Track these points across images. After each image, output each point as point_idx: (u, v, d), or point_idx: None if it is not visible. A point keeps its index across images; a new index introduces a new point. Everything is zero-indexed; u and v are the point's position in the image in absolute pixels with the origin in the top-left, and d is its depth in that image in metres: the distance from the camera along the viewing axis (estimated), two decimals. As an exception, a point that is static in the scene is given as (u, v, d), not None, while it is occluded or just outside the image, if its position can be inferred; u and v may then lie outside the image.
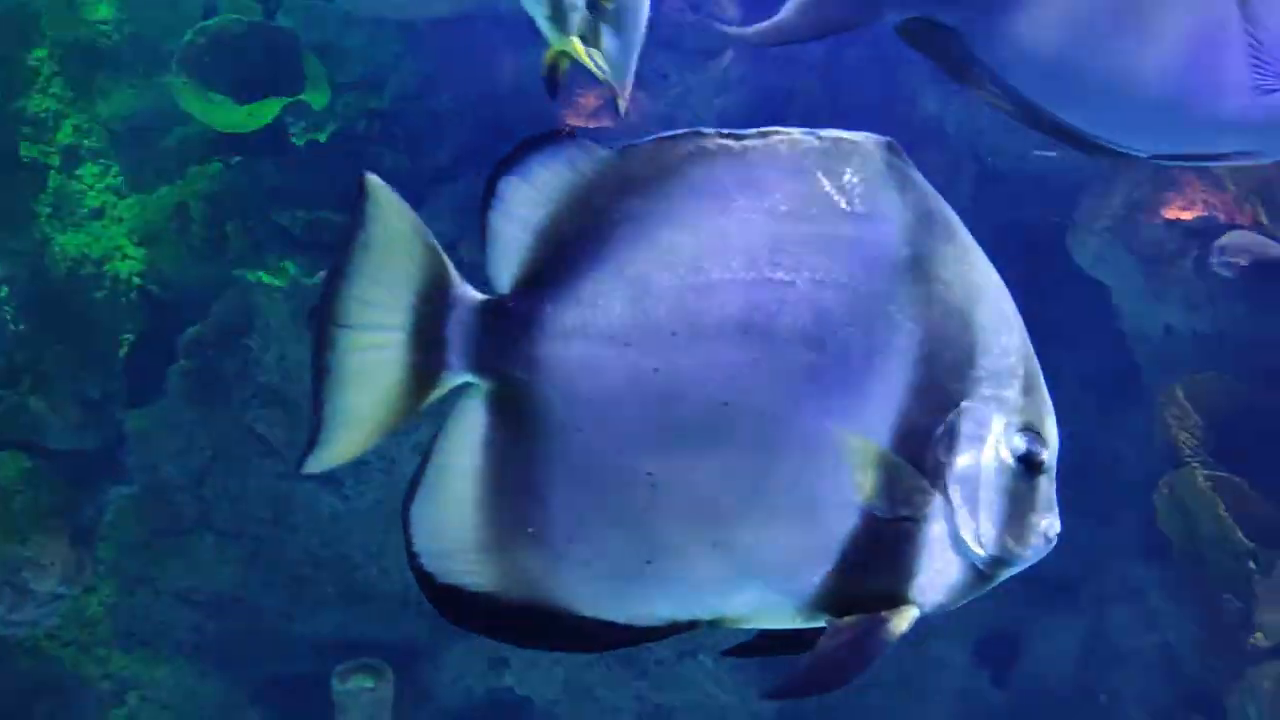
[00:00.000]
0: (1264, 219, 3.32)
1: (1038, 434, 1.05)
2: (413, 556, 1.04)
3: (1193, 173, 3.36)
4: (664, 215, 0.99)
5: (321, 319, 1.01)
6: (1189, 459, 3.35)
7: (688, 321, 0.97)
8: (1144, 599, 3.62)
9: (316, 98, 3.59)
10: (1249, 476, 3.27)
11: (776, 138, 1.02)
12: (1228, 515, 3.17)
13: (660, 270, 0.98)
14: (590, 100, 3.84)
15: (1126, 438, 3.68)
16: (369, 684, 3.74)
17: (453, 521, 1.03)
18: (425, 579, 1.04)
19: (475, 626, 1.06)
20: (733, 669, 3.96)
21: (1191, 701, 3.42)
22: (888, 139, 1.06)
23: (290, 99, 3.57)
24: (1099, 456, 3.75)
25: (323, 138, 3.62)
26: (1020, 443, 1.04)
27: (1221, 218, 3.32)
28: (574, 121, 3.81)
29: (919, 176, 1.08)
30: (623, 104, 1.46)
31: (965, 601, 1.06)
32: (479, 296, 1.03)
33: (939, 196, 1.09)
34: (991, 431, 1.03)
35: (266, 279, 3.61)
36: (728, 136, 1.02)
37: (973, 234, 1.11)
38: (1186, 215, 3.33)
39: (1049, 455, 1.06)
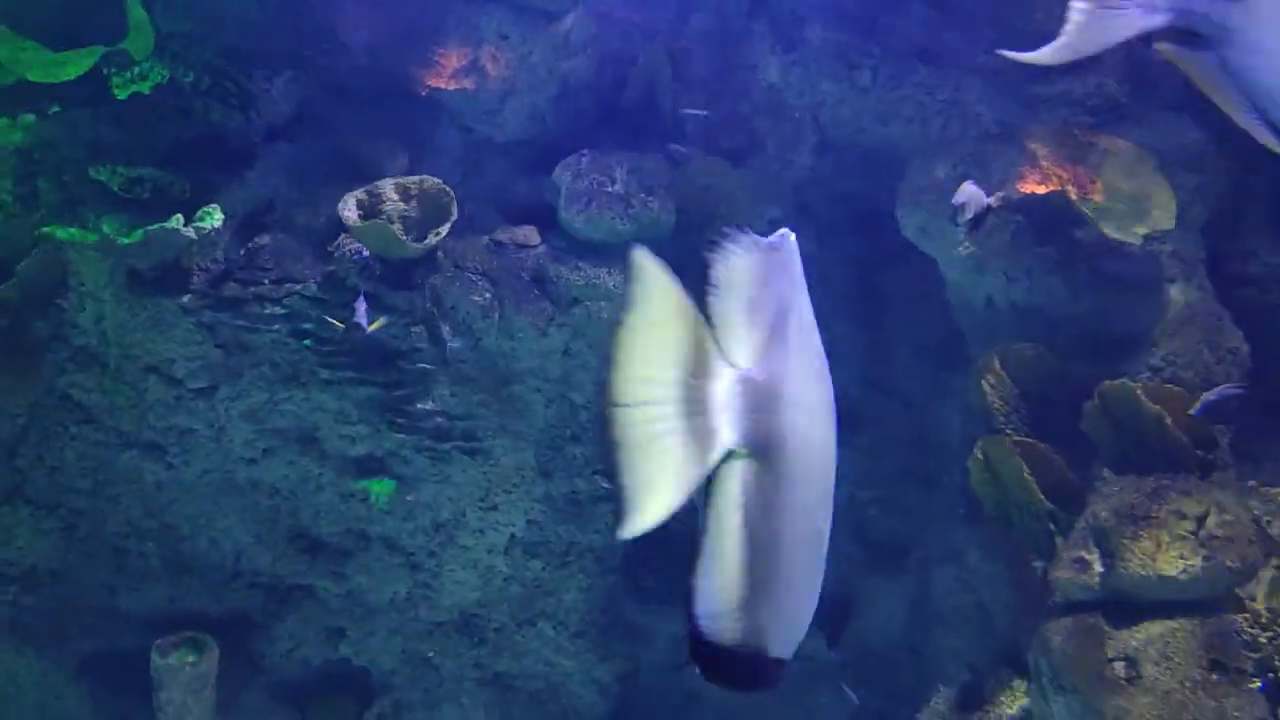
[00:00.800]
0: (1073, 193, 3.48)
1: None
2: (693, 619, 1.13)
3: (1048, 148, 3.50)
4: (792, 305, 1.23)
5: (604, 399, 1.12)
6: (1002, 425, 3.51)
7: (825, 401, 1.22)
8: (964, 560, 3.77)
9: (138, 46, 3.42)
10: (1057, 443, 3.44)
11: (794, 239, 1.25)
12: (1031, 478, 3.32)
13: (809, 354, 1.22)
14: (452, 61, 3.77)
15: (952, 405, 3.82)
16: (190, 658, 3.64)
17: (725, 584, 1.15)
18: (699, 639, 1.14)
19: (718, 679, 1.16)
20: (573, 636, 3.99)
21: (1004, 657, 3.59)
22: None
23: (109, 47, 3.40)
24: (928, 423, 3.89)
25: (146, 89, 3.44)
26: None
27: (1074, 193, 3.45)
28: (435, 83, 3.72)
29: None
30: None
31: None
32: (735, 369, 1.18)
33: None
34: None
35: (81, 237, 3.43)
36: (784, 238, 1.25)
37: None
38: (1042, 189, 3.47)
39: None
